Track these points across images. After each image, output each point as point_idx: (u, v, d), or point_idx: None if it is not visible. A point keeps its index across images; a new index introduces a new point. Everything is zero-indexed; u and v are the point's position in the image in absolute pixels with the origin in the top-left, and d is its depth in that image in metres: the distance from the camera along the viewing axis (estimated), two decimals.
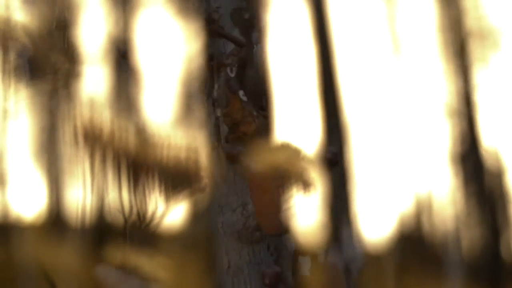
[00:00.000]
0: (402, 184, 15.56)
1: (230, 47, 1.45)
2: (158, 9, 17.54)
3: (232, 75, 1.53)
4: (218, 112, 1.54)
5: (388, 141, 15.98)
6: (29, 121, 18.33)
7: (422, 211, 15.86)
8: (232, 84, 1.56)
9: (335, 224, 6.47)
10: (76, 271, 9.61)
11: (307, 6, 6.91)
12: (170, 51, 17.27)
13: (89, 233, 12.70)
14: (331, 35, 6.94)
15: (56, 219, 15.83)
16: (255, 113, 1.42)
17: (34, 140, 18.88)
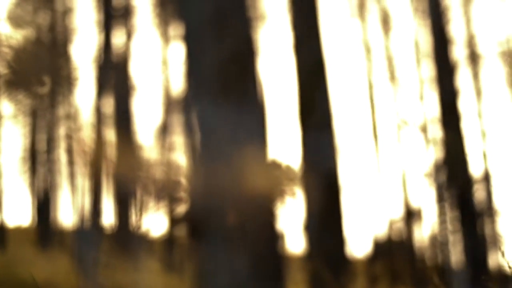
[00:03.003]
0: (386, 197, 15.70)
1: None
2: (147, 30, 17.65)
3: None
4: None
5: (373, 157, 16.16)
6: (19, 131, 18.34)
7: (406, 221, 15.99)
8: None
9: (322, 230, 6.54)
10: (65, 276, 9.64)
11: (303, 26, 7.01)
12: (155, 69, 17.37)
13: (79, 239, 12.72)
14: (323, 55, 7.04)
15: (47, 226, 15.86)
16: None
17: (23, 150, 18.88)
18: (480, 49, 14.67)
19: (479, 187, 13.82)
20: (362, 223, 17.59)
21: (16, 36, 14.60)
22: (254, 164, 3.63)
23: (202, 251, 3.78)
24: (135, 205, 13.82)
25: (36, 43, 14.71)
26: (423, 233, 16.17)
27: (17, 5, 15.81)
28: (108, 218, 10.92)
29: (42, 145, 18.04)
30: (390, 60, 16.51)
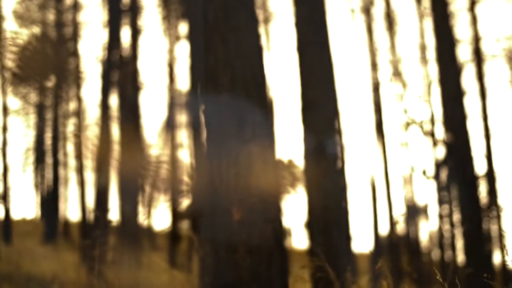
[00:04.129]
0: (391, 194, 15.74)
1: None
2: (154, 28, 17.70)
3: None
4: None
5: (379, 154, 16.21)
6: (25, 125, 18.32)
7: (411, 219, 16.02)
8: None
9: (327, 227, 6.60)
10: (71, 270, 9.70)
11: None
12: (161, 66, 17.39)
13: (85, 233, 12.79)
14: (329, 54, 7.07)
15: (53, 221, 15.91)
16: None
17: (30, 144, 18.88)
18: (485, 50, 14.70)
19: (484, 185, 13.87)
20: (366, 219, 17.62)
21: (22, 33, 14.67)
22: (259, 161, 3.68)
23: (206, 247, 3.84)
24: (141, 201, 13.86)
25: (43, 40, 14.78)
26: (428, 230, 16.21)
27: (24, 2, 15.87)
28: (114, 213, 10.98)
29: (48, 140, 18.11)
30: (396, 60, 16.54)
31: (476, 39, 14.35)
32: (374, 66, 16.71)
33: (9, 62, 13.07)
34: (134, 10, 12.05)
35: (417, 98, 15.72)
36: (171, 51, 17.02)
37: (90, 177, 14.23)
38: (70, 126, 16.85)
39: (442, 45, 11.36)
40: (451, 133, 11.80)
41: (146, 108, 22.12)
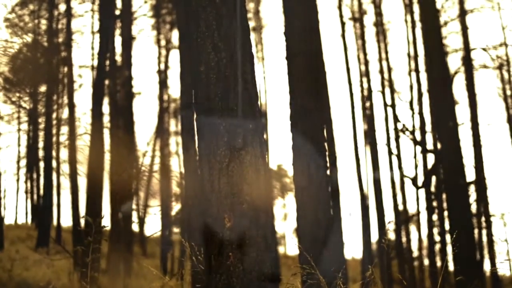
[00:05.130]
0: (382, 202, 15.80)
1: None
2: (146, 36, 17.64)
3: None
4: None
5: (370, 163, 16.26)
6: (18, 132, 18.25)
7: (402, 226, 16.08)
8: None
9: (318, 234, 6.65)
10: (63, 277, 9.72)
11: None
12: (153, 75, 17.35)
13: (78, 240, 12.80)
14: (324, 69, 7.13)
15: (45, 227, 15.87)
16: None
17: (23, 150, 18.78)
18: (475, 59, 14.78)
19: (474, 193, 13.95)
20: (357, 227, 17.65)
21: (14, 42, 14.68)
22: (251, 169, 3.73)
23: (199, 253, 3.87)
24: (134, 207, 13.87)
25: (34, 48, 14.80)
26: (418, 237, 16.26)
27: (16, 10, 15.88)
28: (106, 220, 11.00)
29: (41, 146, 18.11)
30: (388, 70, 16.62)
31: (467, 49, 14.44)
32: (365, 75, 16.78)
33: (1, 68, 13.09)
34: (126, 19, 12.09)
35: (407, 107, 15.80)
36: (163, 59, 17.06)
37: (83, 184, 14.23)
38: (63, 133, 16.87)
39: (432, 54, 11.43)
40: (441, 142, 11.87)
41: (139, 115, 22.14)
